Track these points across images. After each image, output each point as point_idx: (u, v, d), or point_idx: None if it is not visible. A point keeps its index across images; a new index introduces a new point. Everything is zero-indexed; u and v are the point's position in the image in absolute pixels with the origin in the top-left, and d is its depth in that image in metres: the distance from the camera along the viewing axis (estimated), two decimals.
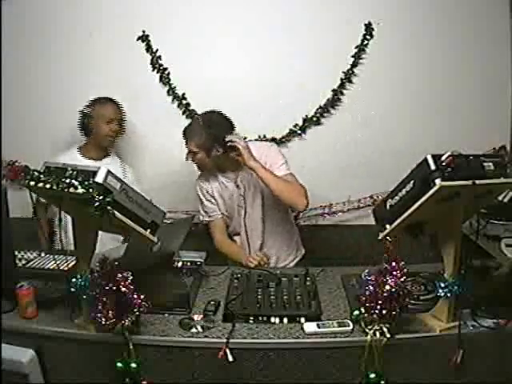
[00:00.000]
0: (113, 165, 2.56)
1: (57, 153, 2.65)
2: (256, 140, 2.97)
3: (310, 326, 1.73)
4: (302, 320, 1.77)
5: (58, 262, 1.95)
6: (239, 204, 2.53)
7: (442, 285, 1.67)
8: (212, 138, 2.36)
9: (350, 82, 2.97)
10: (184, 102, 3.01)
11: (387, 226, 1.72)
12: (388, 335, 1.62)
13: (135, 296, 1.65)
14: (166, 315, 1.83)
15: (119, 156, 2.80)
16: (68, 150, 2.69)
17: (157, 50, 2.96)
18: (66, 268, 1.94)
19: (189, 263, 2.14)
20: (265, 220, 2.54)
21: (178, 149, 3.04)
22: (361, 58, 2.94)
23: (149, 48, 2.95)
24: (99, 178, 1.52)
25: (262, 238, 2.56)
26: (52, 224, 2.68)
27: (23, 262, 2.15)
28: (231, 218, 2.60)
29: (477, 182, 1.54)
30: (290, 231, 2.67)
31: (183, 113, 3.03)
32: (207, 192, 2.57)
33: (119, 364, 1.65)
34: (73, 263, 1.90)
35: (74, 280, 1.69)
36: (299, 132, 3.02)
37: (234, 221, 2.60)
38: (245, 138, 2.71)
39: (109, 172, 1.55)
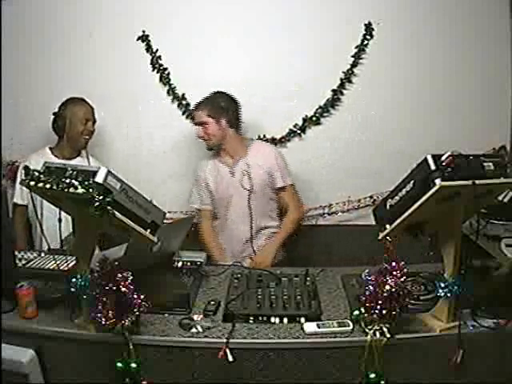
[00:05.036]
0: (82, 163, 2.59)
1: (30, 153, 2.68)
2: (260, 139, 2.99)
3: (310, 326, 1.73)
4: (302, 320, 1.77)
5: (58, 262, 1.95)
6: (230, 192, 2.64)
7: (442, 285, 1.67)
8: (221, 108, 2.60)
9: (350, 82, 2.96)
10: (184, 102, 3.01)
11: (387, 226, 1.72)
12: (388, 335, 1.62)
13: (135, 296, 1.65)
14: (166, 315, 1.83)
15: (92, 155, 2.76)
16: (40, 149, 2.70)
17: (157, 50, 2.96)
18: (66, 268, 1.94)
19: (189, 263, 2.14)
20: (252, 214, 2.63)
21: (178, 149, 3.07)
22: (361, 58, 2.94)
23: (149, 48, 2.95)
24: (99, 178, 1.52)
25: (249, 231, 2.66)
26: (30, 226, 2.70)
27: (23, 261, 2.14)
28: (219, 207, 2.70)
29: (477, 182, 1.54)
30: (274, 230, 2.72)
31: (183, 113, 3.02)
32: (202, 180, 2.71)
33: (119, 364, 1.65)
34: (73, 263, 1.90)
35: (73, 280, 1.69)
36: (299, 132, 3.02)
37: (223, 210, 2.69)
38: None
39: (109, 172, 1.55)
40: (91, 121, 2.65)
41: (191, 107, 2.68)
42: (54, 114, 2.63)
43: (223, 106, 2.60)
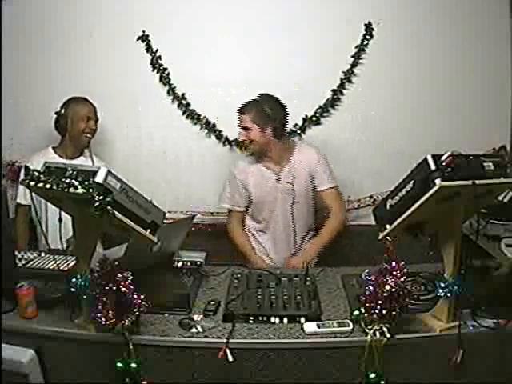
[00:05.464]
0: (86, 164, 2.60)
1: (33, 153, 2.68)
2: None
3: (310, 326, 1.73)
4: (302, 320, 1.77)
5: (58, 262, 1.95)
6: (275, 197, 2.60)
7: (442, 285, 1.67)
8: (267, 115, 2.48)
9: (350, 81, 2.96)
10: (184, 102, 3.00)
11: (387, 226, 1.72)
12: (388, 335, 1.62)
13: (135, 296, 1.65)
14: (166, 315, 1.83)
15: (96, 154, 2.76)
16: (43, 149, 2.70)
17: (157, 50, 2.95)
18: (66, 268, 1.94)
19: (189, 263, 2.14)
20: (296, 219, 2.62)
21: (178, 149, 3.07)
22: (361, 58, 2.94)
23: (149, 48, 2.95)
24: (99, 178, 1.52)
25: (294, 235, 2.64)
26: (34, 227, 2.69)
27: (23, 261, 2.14)
28: (261, 211, 2.65)
29: (477, 182, 1.54)
30: (311, 232, 2.72)
31: (183, 113, 3.02)
32: (240, 182, 2.64)
33: (119, 364, 1.65)
34: (73, 263, 1.90)
35: (73, 280, 1.69)
36: (299, 132, 3.01)
37: (263, 215, 2.65)
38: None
39: (109, 172, 1.55)
40: (93, 119, 2.65)
41: (237, 111, 2.54)
42: (56, 113, 2.63)
43: (270, 114, 2.48)
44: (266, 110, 2.49)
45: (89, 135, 2.65)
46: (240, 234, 2.71)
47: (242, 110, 2.53)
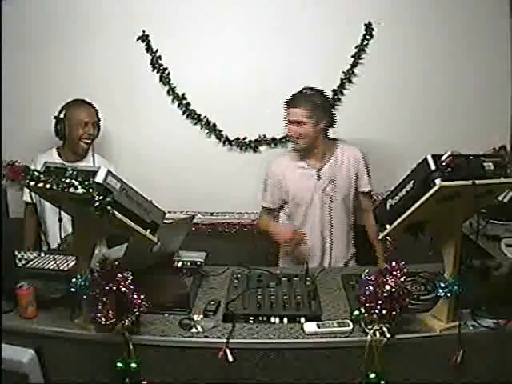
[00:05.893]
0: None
1: (37, 153, 2.68)
2: (258, 140, 3.00)
3: (310, 326, 1.73)
4: (302, 320, 1.77)
5: (57, 262, 1.95)
6: (313, 195, 2.52)
7: (442, 285, 1.67)
8: (322, 111, 2.39)
9: (350, 82, 2.97)
10: (184, 101, 3.01)
11: (387, 226, 1.72)
12: (388, 335, 1.62)
13: (135, 296, 1.65)
14: (166, 315, 1.83)
15: (101, 155, 2.77)
16: (48, 149, 2.70)
17: (157, 50, 2.96)
18: (65, 268, 1.94)
19: (189, 263, 2.14)
20: (332, 219, 2.57)
21: (178, 149, 3.07)
22: (361, 58, 2.94)
23: (149, 48, 2.96)
24: (99, 178, 1.52)
25: (329, 236, 2.58)
26: (40, 225, 2.69)
27: (23, 261, 2.14)
28: (298, 209, 2.58)
29: (477, 182, 1.54)
30: (349, 233, 2.67)
31: (183, 113, 3.03)
32: (277, 180, 2.56)
33: (119, 364, 1.65)
34: (73, 263, 1.90)
35: (74, 280, 1.69)
36: None
37: (301, 212, 2.57)
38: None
39: (109, 172, 1.55)
40: (91, 123, 2.59)
41: (287, 104, 2.43)
42: (55, 117, 2.58)
43: (324, 108, 2.40)
44: (320, 105, 2.39)
45: (87, 141, 2.60)
46: (266, 220, 2.65)
47: (295, 103, 2.40)
